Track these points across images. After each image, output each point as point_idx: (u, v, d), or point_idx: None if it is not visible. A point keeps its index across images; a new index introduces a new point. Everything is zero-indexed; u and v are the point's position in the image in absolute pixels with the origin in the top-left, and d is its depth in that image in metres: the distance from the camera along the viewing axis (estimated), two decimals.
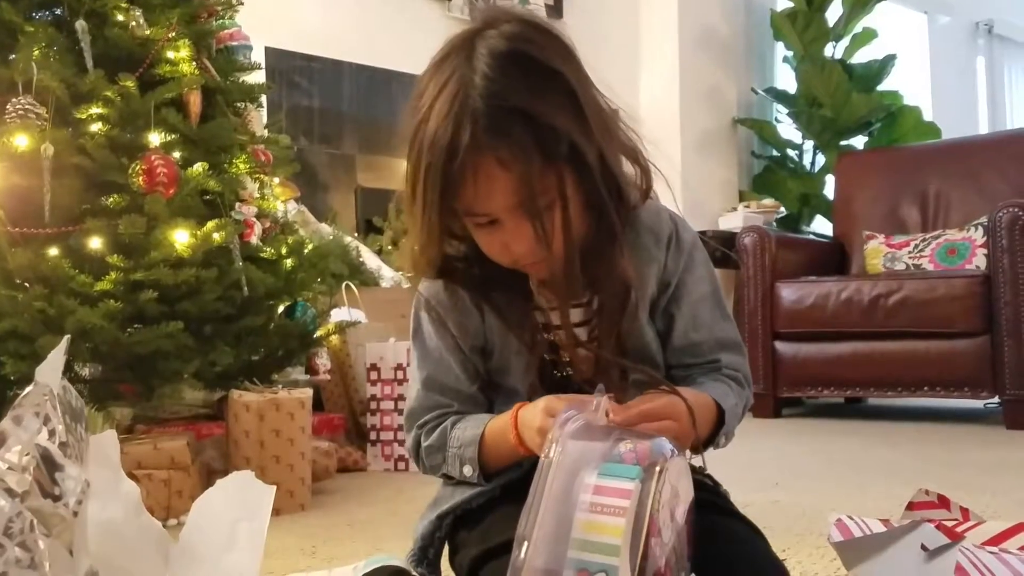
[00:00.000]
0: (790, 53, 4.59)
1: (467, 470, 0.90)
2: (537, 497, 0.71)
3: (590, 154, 0.84)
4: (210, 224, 1.88)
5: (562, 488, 0.70)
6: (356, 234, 3.51)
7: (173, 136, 1.91)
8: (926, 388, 3.11)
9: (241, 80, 2.17)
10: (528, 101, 0.81)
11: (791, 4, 4.50)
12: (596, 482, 0.69)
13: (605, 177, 0.87)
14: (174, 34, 1.97)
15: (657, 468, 0.69)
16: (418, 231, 0.87)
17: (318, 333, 2.21)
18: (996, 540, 1.05)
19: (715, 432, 0.95)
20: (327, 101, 3.65)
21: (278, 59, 3.45)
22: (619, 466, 0.70)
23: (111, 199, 1.82)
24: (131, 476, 1.60)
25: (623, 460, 0.70)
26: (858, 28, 4.51)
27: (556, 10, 4.19)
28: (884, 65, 4.48)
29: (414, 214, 0.86)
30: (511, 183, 0.82)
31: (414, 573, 1.03)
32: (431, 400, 0.96)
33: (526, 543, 0.69)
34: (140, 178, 1.81)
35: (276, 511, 1.74)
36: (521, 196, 0.82)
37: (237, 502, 0.82)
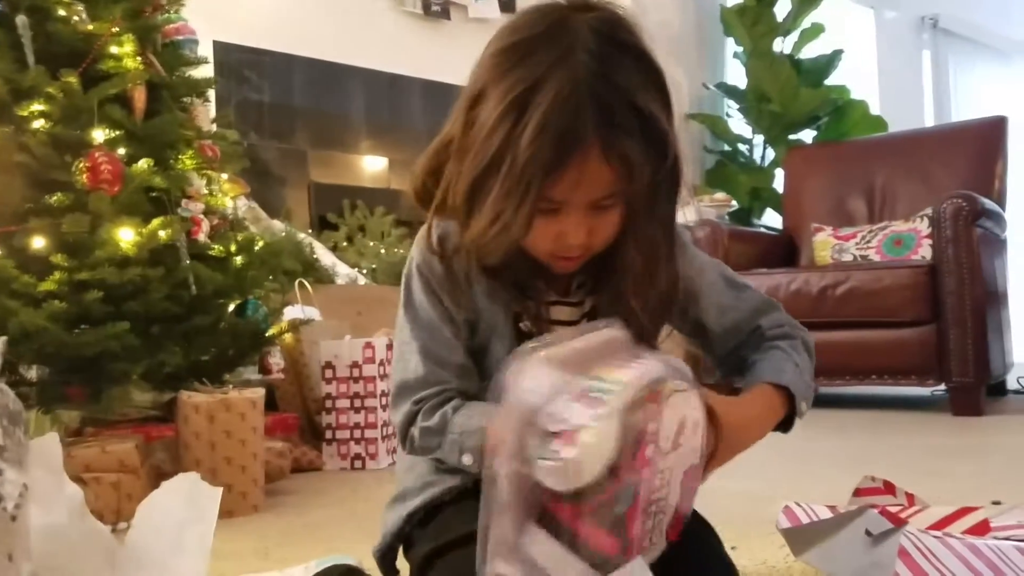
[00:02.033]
0: (740, 48, 4.65)
1: (467, 459, 0.87)
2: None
3: (681, 164, 0.86)
4: (156, 221, 1.85)
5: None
6: (310, 231, 3.48)
7: (117, 132, 1.87)
8: (874, 376, 3.17)
9: (188, 75, 2.14)
10: (644, 99, 0.82)
11: (740, 0, 4.55)
12: (627, 358, 0.72)
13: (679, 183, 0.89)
14: (118, 29, 1.93)
15: (667, 386, 0.71)
16: (498, 213, 0.82)
17: (270, 332, 2.18)
18: (940, 525, 1.08)
19: (792, 407, 0.95)
20: (277, 96, 3.61)
21: (226, 53, 3.40)
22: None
23: (54, 197, 1.78)
24: (79, 480, 1.57)
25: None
26: (806, 23, 4.58)
27: (508, 6, 4.19)
28: (831, 60, 4.56)
29: (498, 195, 0.82)
30: (614, 179, 0.82)
31: (363, 571, 1.03)
32: (430, 373, 0.92)
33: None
34: (84, 175, 1.78)
35: (229, 513, 1.73)
36: (616, 192, 0.83)
37: (184, 504, 0.81)
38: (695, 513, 0.92)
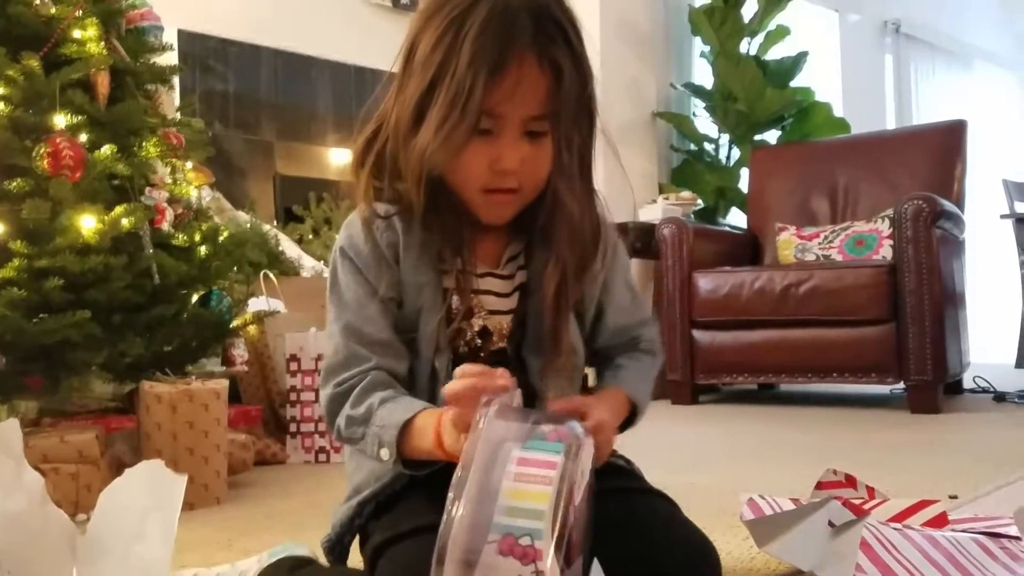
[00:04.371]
0: (707, 49, 4.68)
1: (384, 453, 0.87)
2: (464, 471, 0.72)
3: (596, 110, 0.92)
4: (118, 209, 1.82)
5: (486, 460, 0.72)
6: (275, 222, 3.45)
7: (80, 118, 1.84)
8: (835, 374, 3.21)
9: (152, 61, 2.11)
10: (569, 29, 0.87)
11: (708, 0, 4.58)
12: (521, 455, 0.72)
13: (592, 155, 0.95)
14: (81, 13, 1.90)
15: (576, 446, 0.73)
16: (444, 118, 0.85)
17: (234, 323, 2.16)
18: (900, 517, 1.10)
19: (631, 418, 1.00)
20: (243, 86, 3.57)
21: (191, 42, 3.36)
22: (543, 443, 0.73)
23: (14, 183, 1.75)
24: (37, 470, 1.54)
25: (545, 438, 0.73)
26: (772, 25, 4.62)
27: None
28: (796, 62, 4.60)
29: (444, 102, 0.84)
30: (547, 89, 0.86)
31: (317, 561, 1.02)
32: (350, 351, 0.92)
33: (459, 509, 0.70)
34: (45, 161, 1.74)
35: (191, 505, 1.71)
36: (551, 108, 0.87)
37: (146, 492, 0.80)
38: (660, 494, 0.95)
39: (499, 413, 0.75)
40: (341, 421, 0.92)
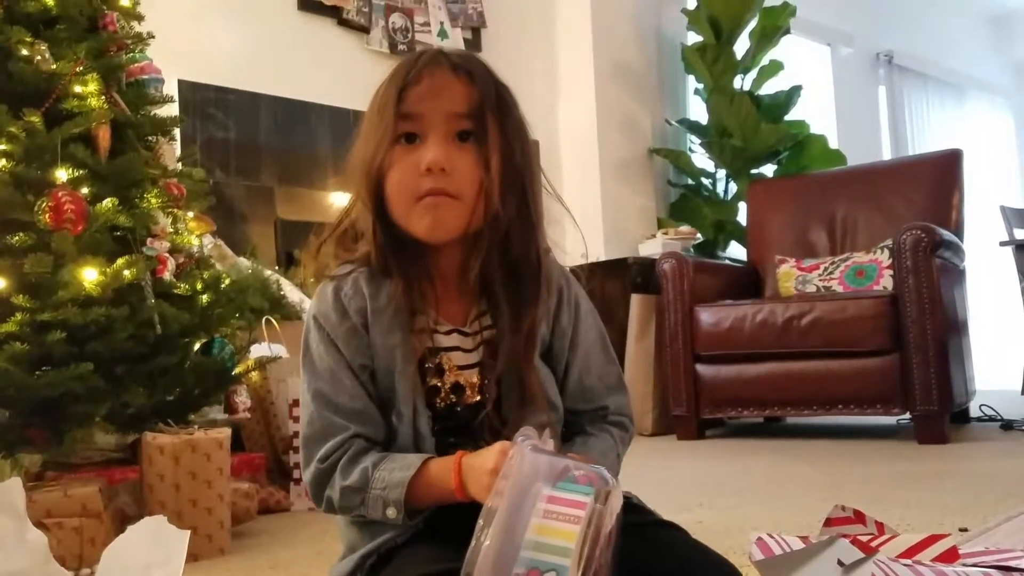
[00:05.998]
0: (701, 85, 4.73)
1: (391, 512, 0.88)
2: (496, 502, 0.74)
3: (527, 151, 0.95)
4: (120, 261, 1.82)
5: (517, 496, 0.74)
6: (276, 267, 3.46)
7: (81, 171, 1.85)
8: (840, 406, 3.20)
9: (153, 113, 2.13)
10: (475, 57, 0.95)
11: (700, 38, 4.63)
12: (552, 493, 0.74)
13: (532, 187, 0.96)
14: (82, 68, 1.92)
15: (606, 491, 0.75)
16: (370, 128, 0.93)
17: (236, 370, 2.16)
18: (910, 552, 1.09)
19: None
20: (244, 133, 3.60)
21: (192, 92, 3.40)
22: (573, 484, 0.75)
23: (16, 237, 1.76)
24: (40, 525, 1.53)
25: (577, 481, 0.75)
26: (765, 61, 4.67)
27: (475, 44, 4.23)
28: (790, 96, 4.65)
29: (369, 113, 0.94)
30: (466, 92, 0.91)
31: None
32: (327, 422, 0.93)
33: (488, 538, 0.71)
34: (46, 215, 1.75)
35: (194, 556, 1.70)
36: (470, 106, 0.91)
37: (149, 548, 0.79)
38: (671, 524, 0.95)
39: (533, 452, 0.77)
40: (333, 494, 0.92)
